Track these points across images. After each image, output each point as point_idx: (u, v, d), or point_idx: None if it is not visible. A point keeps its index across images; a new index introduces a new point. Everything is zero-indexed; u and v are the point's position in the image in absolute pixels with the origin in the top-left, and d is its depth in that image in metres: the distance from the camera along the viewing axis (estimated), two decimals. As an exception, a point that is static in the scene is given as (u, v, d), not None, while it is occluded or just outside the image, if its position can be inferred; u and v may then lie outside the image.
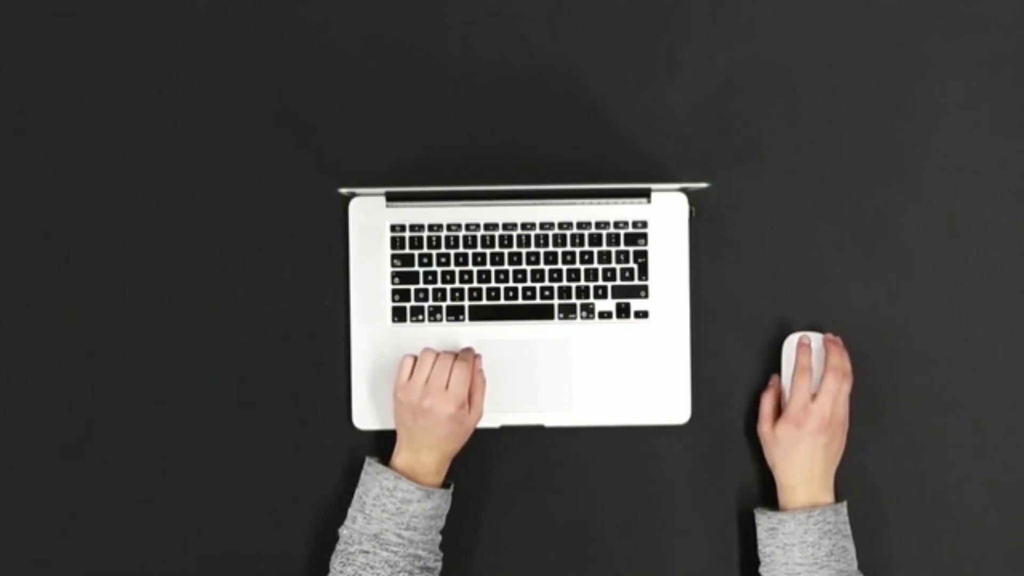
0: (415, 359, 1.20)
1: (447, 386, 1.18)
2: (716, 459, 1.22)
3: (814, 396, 1.20)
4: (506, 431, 1.27)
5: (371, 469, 1.19)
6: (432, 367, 1.19)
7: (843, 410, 1.21)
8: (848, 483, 1.28)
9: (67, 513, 1.28)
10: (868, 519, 1.28)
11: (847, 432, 1.22)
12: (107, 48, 1.29)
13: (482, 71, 1.29)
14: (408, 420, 1.19)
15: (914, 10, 1.29)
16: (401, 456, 1.20)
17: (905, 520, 1.28)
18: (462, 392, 1.18)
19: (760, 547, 1.20)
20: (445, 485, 1.21)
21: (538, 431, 1.28)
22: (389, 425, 1.25)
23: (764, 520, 1.20)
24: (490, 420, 1.27)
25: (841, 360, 1.22)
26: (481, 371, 1.23)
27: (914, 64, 1.29)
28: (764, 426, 1.23)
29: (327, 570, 1.18)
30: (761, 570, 1.20)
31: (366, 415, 1.27)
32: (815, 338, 1.26)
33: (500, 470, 1.28)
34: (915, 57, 1.29)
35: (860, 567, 1.25)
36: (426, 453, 1.19)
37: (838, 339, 1.24)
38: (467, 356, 1.21)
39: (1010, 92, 1.29)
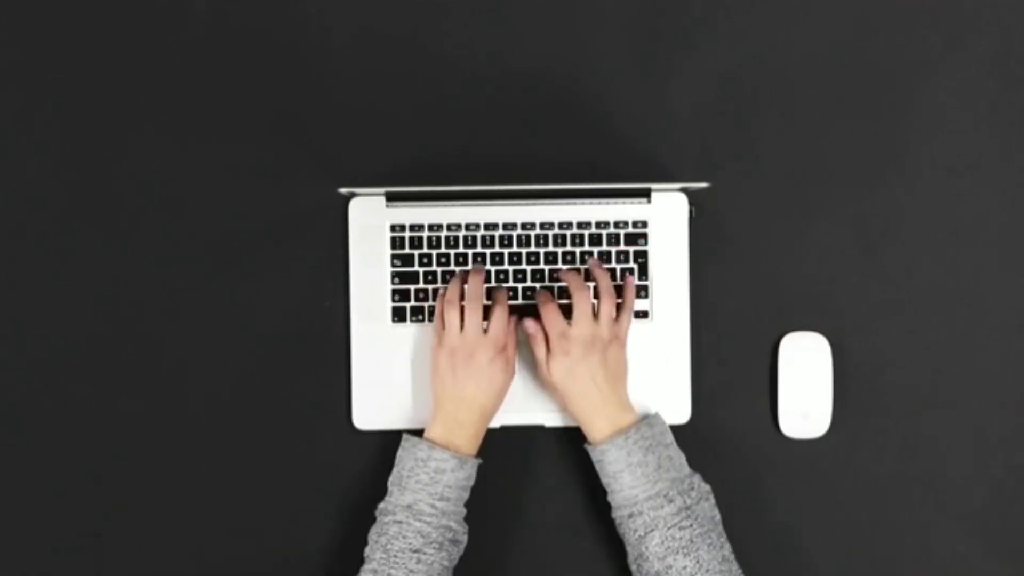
0: (444, 315, 1.21)
1: (486, 331, 1.19)
2: (716, 459, 1.22)
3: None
4: (506, 431, 1.27)
5: (407, 444, 1.19)
6: (461, 320, 1.19)
7: (608, 327, 1.20)
8: (848, 483, 1.28)
9: (66, 513, 1.28)
10: (868, 519, 1.28)
11: (624, 346, 1.22)
12: (107, 48, 1.29)
13: (482, 71, 1.29)
14: (447, 375, 1.19)
15: (914, 10, 1.29)
16: (438, 423, 1.20)
17: (905, 520, 1.28)
18: (502, 335, 1.20)
19: (601, 479, 1.20)
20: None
21: (538, 431, 1.28)
22: (389, 425, 1.25)
23: (592, 454, 1.20)
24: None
25: (579, 279, 1.22)
26: (514, 333, 1.23)
27: (914, 64, 1.29)
28: (541, 372, 1.22)
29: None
30: (608, 499, 1.20)
31: (366, 415, 1.27)
32: (807, 336, 1.27)
33: (500, 470, 1.28)
34: (915, 57, 1.29)
35: (861, 565, 1.25)
36: (466, 410, 1.19)
37: (594, 263, 1.24)
38: (502, 299, 1.21)
39: (1010, 92, 1.29)
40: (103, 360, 1.28)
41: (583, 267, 1.26)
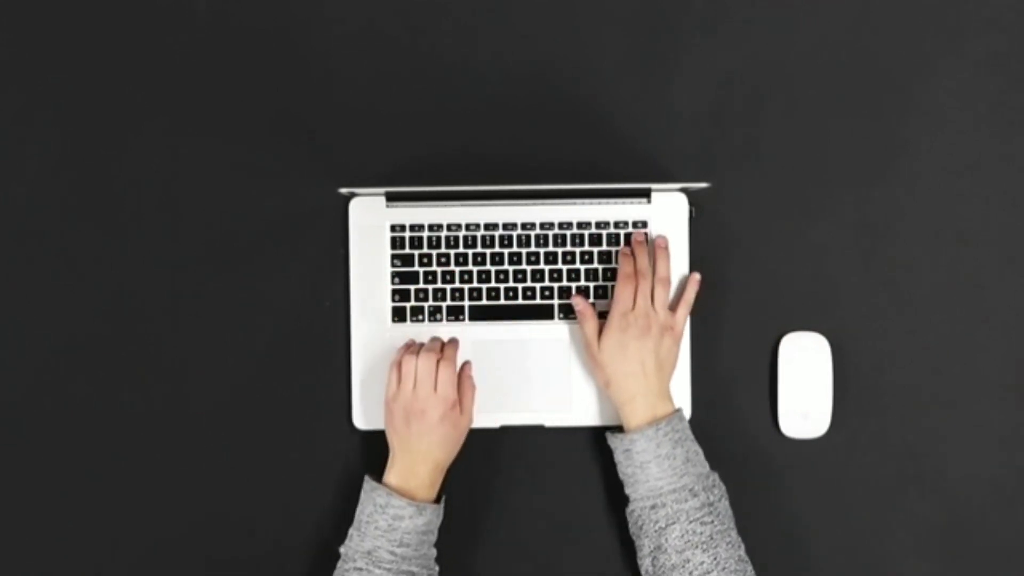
0: (400, 368, 1.21)
1: (435, 388, 1.18)
2: (716, 459, 1.22)
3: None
4: (506, 431, 1.27)
5: (367, 486, 1.19)
6: (416, 372, 1.19)
7: (664, 314, 1.21)
8: (848, 483, 1.28)
9: (66, 513, 1.28)
10: (868, 519, 1.28)
11: (678, 339, 1.22)
12: (107, 48, 1.29)
13: (482, 71, 1.29)
14: (402, 428, 1.19)
15: (914, 10, 1.29)
16: (394, 471, 1.20)
17: (905, 520, 1.28)
18: (451, 392, 1.19)
19: (620, 470, 1.20)
20: (437, 499, 1.21)
21: (538, 431, 1.28)
22: (389, 425, 1.25)
23: (617, 443, 1.20)
24: (490, 420, 1.27)
25: (645, 261, 1.22)
26: (471, 376, 1.24)
27: (914, 64, 1.29)
28: (591, 348, 1.22)
29: (328, 568, 1.19)
30: (626, 492, 1.20)
31: (366, 415, 1.27)
32: (807, 336, 1.27)
33: (500, 470, 1.28)
34: (915, 57, 1.29)
35: (861, 564, 1.25)
36: (420, 462, 1.19)
37: (660, 245, 1.24)
38: (451, 355, 1.21)
39: (1010, 92, 1.29)
40: (103, 360, 1.28)
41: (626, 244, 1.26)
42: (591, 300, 1.25)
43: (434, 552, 1.20)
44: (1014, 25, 1.29)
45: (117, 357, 1.28)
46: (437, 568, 1.20)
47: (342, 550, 1.18)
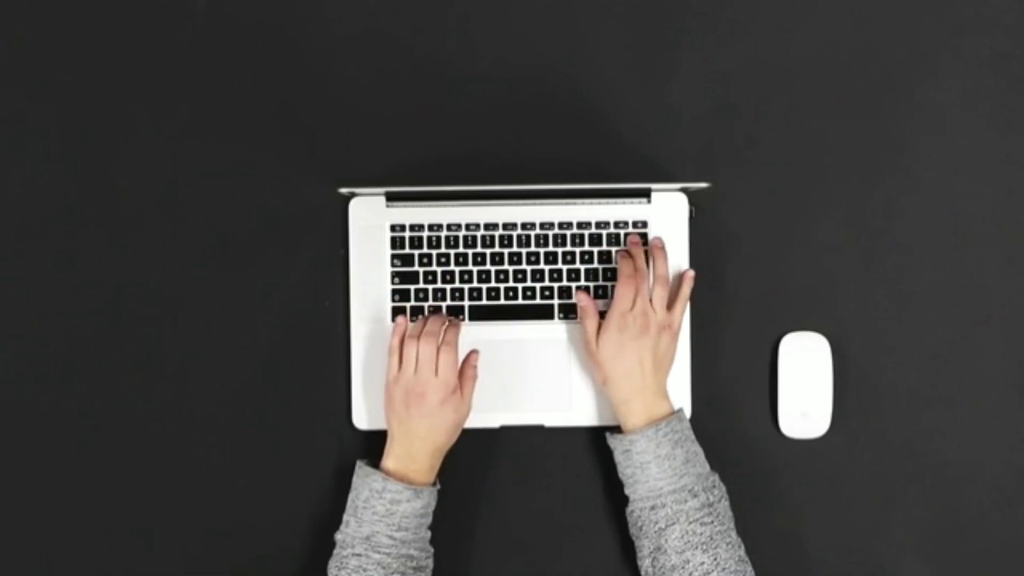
0: (400, 351, 1.21)
1: (436, 372, 1.19)
2: (716, 459, 1.22)
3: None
4: (506, 431, 1.27)
5: (361, 472, 1.19)
6: (417, 356, 1.19)
7: (663, 313, 1.21)
8: (848, 483, 1.28)
9: (66, 513, 1.28)
10: (868, 519, 1.28)
11: (675, 336, 1.22)
12: (107, 47, 1.29)
13: (482, 71, 1.29)
14: (402, 411, 1.19)
15: (914, 10, 1.29)
16: (392, 456, 1.20)
17: (905, 520, 1.28)
18: (452, 377, 1.19)
19: (620, 471, 1.20)
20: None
21: (538, 431, 1.28)
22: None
23: (617, 443, 1.20)
24: (490, 420, 1.27)
25: (643, 260, 1.23)
26: (474, 367, 1.24)
27: (914, 64, 1.29)
28: (590, 346, 1.22)
29: (324, 572, 1.19)
30: (626, 492, 1.20)
31: (366, 415, 1.27)
32: (807, 336, 1.27)
33: (500, 470, 1.28)
34: (915, 57, 1.29)
35: (861, 564, 1.25)
36: (419, 446, 1.19)
37: (657, 245, 1.25)
38: (451, 340, 1.21)
39: (1010, 92, 1.29)
40: (103, 360, 1.28)
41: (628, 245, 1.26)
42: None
43: (429, 534, 1.20)
44: (1014, 25, 1.29)
45: (117, 357, 1.28)
46: (432, 550, 1.20)
47: (338, 537, 1.18)
